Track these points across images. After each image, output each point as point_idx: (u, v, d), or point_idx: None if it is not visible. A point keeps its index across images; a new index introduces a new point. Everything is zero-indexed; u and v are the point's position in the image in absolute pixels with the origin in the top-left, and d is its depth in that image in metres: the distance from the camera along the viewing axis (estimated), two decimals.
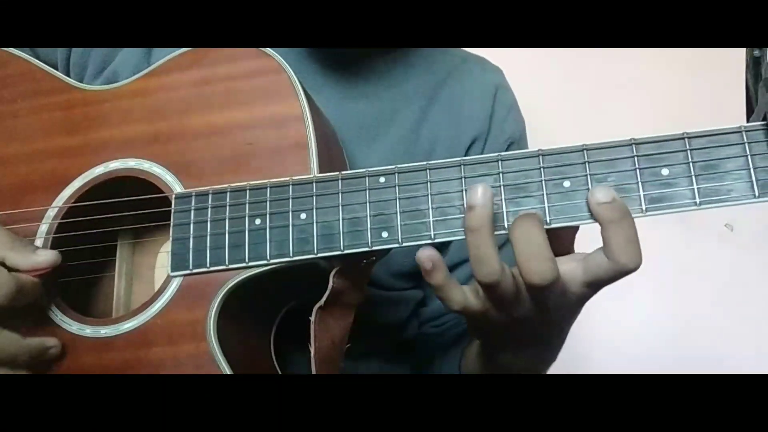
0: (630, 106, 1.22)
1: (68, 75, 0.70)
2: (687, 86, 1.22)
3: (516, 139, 0.76)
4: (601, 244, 0.44)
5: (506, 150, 0.74)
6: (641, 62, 1.22)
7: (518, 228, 0.44)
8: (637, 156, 0.45)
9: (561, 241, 0.47)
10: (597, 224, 0.44)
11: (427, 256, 0.45)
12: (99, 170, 0.58)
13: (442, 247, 0.69)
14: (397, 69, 0.73)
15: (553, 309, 0.47)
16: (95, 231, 0.58)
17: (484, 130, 0.73)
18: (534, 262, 0.43)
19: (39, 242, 0.57)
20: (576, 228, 0.47)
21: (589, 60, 1.24)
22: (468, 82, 0.75)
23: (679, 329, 1.17)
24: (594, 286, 0.45)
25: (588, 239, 0.48)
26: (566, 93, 1.26)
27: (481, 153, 0.73)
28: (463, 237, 0.46)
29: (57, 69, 0.69)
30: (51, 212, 0.58)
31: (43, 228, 0.57)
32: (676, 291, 1.17)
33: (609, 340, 1.16)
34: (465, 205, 0.46)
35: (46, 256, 0.53)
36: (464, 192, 0.47)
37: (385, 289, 0.69)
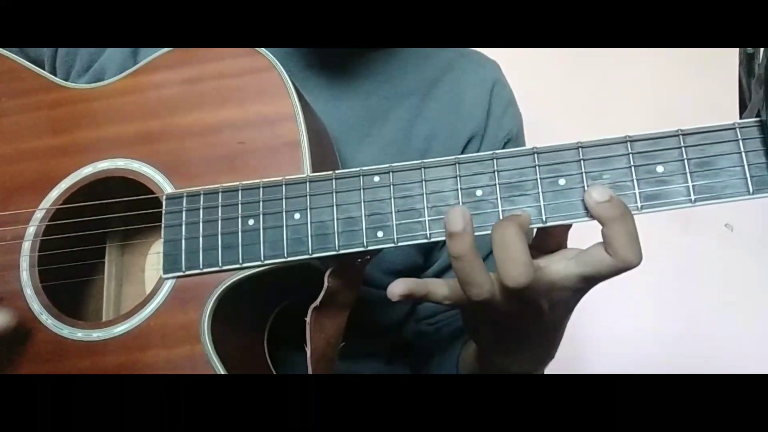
0: (630, 106, 1.22)
1: (54, 73, 0.69)
2: (686, 86, 1.22)
3: (513, 136, 0.74)
4: (593, 239, 0.44)
5: (504, 147, 0.72)
6: (642, 62, 1.22)
7: (496, 231, 0.43)
8: (632, 153, 0.45)
9: (554, 236, 0.47)
10: (592, 222, 0.45)
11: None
12: (87, 170, 0.57)
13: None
14: (390, 65, 0.71)
15: (549, 311, 0.46)
16: (83, 233, 0.57)
17: (481, 128, 0.71)
18: (507, 265, 0.42)
19: (27, 245, 0.56)
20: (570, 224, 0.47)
21: (590, 60, 1.24)
22: (465, 78, 0.73)
23: (678, 329, 1.18)
24: (592, 281, 0.45)
25: (583, 234, 0.48)
26: (567, 93, 1.26)
27: (478, 151, 0.71)
28: None
29: (44, 67, 0.68)
30: (38, 214, 0.57)
31: (31, 230, 0.56)
32: (675, 291, 1.17)
33: (609, 340, 1.17)
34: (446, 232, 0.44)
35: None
36: (459, 191, 0.47)
37: (379, 288, 0.69)
